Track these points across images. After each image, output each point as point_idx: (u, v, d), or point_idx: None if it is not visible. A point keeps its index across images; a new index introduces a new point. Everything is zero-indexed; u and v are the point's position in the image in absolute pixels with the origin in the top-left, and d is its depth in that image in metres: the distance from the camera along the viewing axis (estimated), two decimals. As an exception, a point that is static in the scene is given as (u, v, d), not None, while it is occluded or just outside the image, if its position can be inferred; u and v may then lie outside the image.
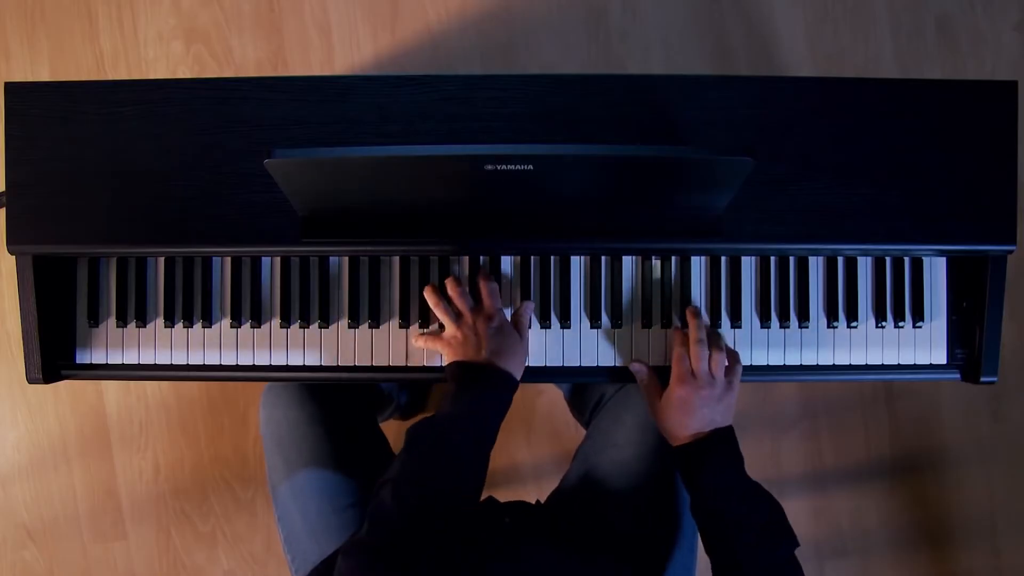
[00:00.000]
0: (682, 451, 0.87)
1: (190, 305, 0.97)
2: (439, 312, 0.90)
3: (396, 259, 0.97)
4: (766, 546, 0.81)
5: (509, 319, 0.92)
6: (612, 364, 0.97)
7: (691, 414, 0.87)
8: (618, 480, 0.97)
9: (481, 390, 0.83)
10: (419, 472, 0.77)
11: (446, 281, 0.92)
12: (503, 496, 1.03)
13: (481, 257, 0.97)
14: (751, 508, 0.83)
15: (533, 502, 1.05)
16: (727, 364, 0.91)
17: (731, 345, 0.98)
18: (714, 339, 0.92)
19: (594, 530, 0.94)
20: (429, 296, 0.92)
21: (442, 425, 0.81)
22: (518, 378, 0.88)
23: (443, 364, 0.91)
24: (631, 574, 0.88)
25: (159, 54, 1.54)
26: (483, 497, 1.02)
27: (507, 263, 0.98)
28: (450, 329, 0.89)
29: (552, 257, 0.97)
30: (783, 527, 0.84)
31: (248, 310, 0.97)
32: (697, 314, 0.94)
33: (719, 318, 0.98)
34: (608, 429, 1.01)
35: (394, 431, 1.33)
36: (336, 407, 1.00)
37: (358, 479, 0.97)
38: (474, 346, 0.87)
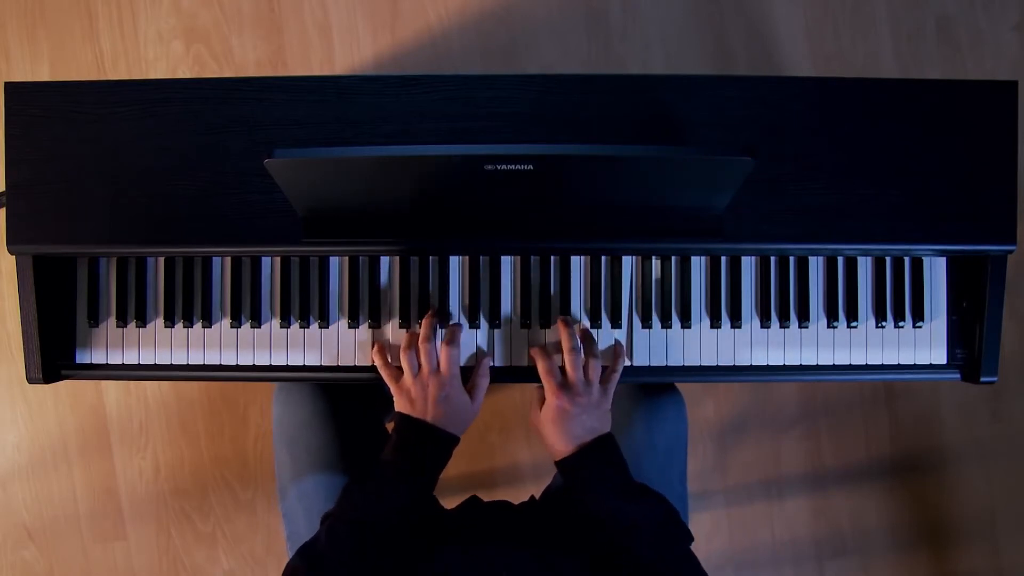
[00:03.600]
0: (566, 462, 0.87)
1: (190, 305, 0.97)
2: (403, 358, 0.90)
3: (396, 259, 0.97)
4: (662, 543, 0.82)
5: (466, 365, 0.94)
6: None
7: (570, 423, 0.87)
8: None
9: (422, 449, 0.87)
10: (355, 514, 0.83)
11: (423, 323, 0.92)
12: (503, 495, 1.03)
13: (481, 257, 0.97)
14: (644, 508, 0.84)
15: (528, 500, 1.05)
16: (603, 369, 0.92)
17: (731, 345, 0.98)
18: (588, 345, 0.92)
19: (573, 528, 0.94)
20: (403, 339, 0.93)
21: (383, 474, 0.85)
22: (459, 435, 0.90)
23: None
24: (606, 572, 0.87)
25: (159, 54, 1.54)
26: (467, 496, 1.03)
27: (507, 263, 0.98)
28: (407, 379, 0.90)
29: (552, 257, 0.97)
30: (677, 524, 0.85)
31: (248, 310, 0.97)
32: (569, 323, 0.94)
33: (719, 318, 0.98)
34: None
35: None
36: (345, 407, 1.00)
37: None
38: (421, 407, 0.88)
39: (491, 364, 0.96)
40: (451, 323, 0.96)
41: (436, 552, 0.81)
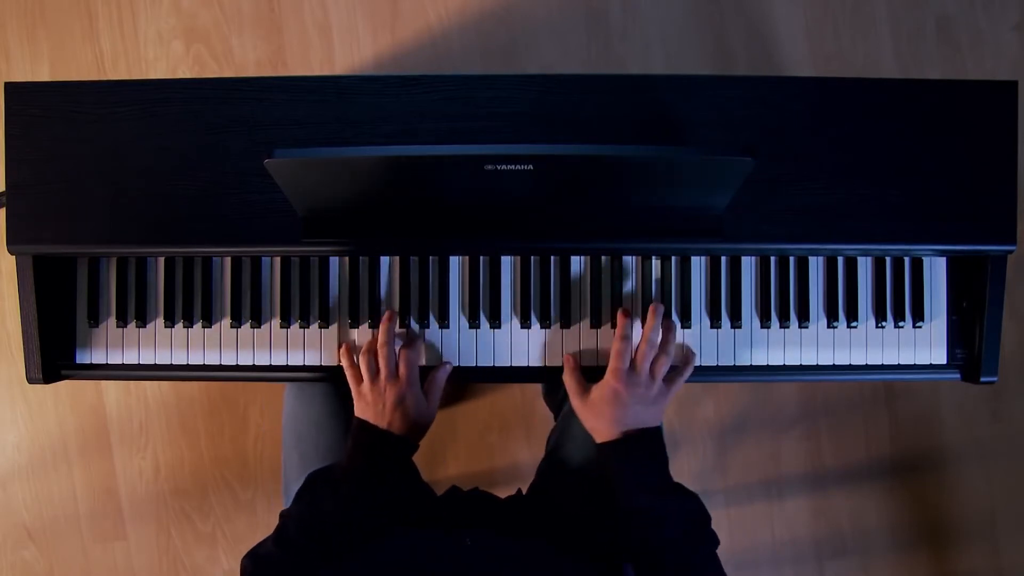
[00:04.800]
0: (609, 447, 0.86)
1: (190, 305, 0.97)
2: (362, 362, 0.90)
3: (396, 259, 0.97)
4: (690, 544, 0.82)
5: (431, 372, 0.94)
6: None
7: (622, 409, 0.86)
8: (574, 470, 0.98)
9: (375, 456, 0.87)
10: (307, 518, 0.83)
11: (381, 327, 0.91)
12: (503, 495, 1.03)
13: (481, 257, 0.97)
14: (677, 507, 0.84)
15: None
16: (671, 368, 0.91)
17: (731, 345, 0.98)
18: (665, 342, 0.92)
19: (551, 519, 0.95)
20: (364, 344, 0.92)
21: (336, 479, 0.85)
22: (416, 443, 0.91)
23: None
24: (582, 562, 0.87)
25: (159, 54, 1.54)
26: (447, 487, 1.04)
27: (507, 263, 0.98)
28: (365, 384, 0.89)
29: (552, 257, 0.97)
30: (706, 528, 0.84)
31: (248, 310, 0.97)
32: (659, 314, 0.92)
33: (719, 318, 0.98)
34: (569, 420, 1.02)
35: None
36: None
37: None
38: (378, 412, 0.88)
39: (450, 370, 0.96)
40: (413, 330, 0.96)
41: (394, 534, 0.81)
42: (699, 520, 0.84)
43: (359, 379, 0.91)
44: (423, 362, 0.96)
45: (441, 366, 0.95)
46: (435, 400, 0.93)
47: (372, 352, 0.90)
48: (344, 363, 0.93)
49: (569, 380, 0.93)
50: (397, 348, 0.91)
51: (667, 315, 0.96)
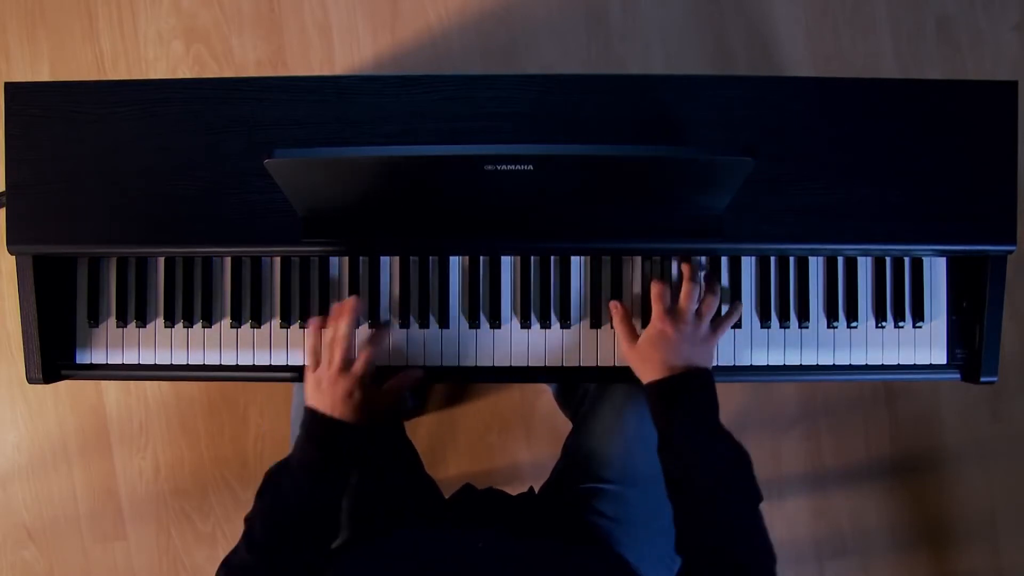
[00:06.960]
0: (656, 385, 0.84)
1: (190, 305, 0.97)
2: (332, 350, 0.87)
3: (396, 259, 0.97)
4: (731, 495, 0.78)
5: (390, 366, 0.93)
6: (612, 364, 0.97)
7: (669, 350, 0.85)
8: (595, 469, 0.97)
9: (327, 445, 0.85)
10: (269, 513, 0.83)
11: (343, 320, 0.87)
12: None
13: (481, 257, 0.97)
14: (721, 454, 0.81)
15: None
16: (718, 311, 0.91)
17: (731, 345, 0.98)
18: (710, 283, 0.91)
19: (570, 518, 0.94)
20: (329, 330, 0.88)
21: (290, 471, 0.84)
22: (366, 428, 0.87)
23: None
24: (599, 561, 0.86)
25: (159, 54, 1.54)
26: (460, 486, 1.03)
27: (507, 263, 0.98)
28: (321, 370, 0.87)
29: (552, 257, 0.97)
30: (749, 479, 0.81)
31: (248, 310, 0.97)
32: (692, 263, 0.92)
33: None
34: (589, 421, 1.02)
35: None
36: None
37: None
38: (328, 401, 0.86)
39: (419, 376, 0.94)
40: (382, 321, 0.96)
41: (400, 531, 0.80)
42: (742, 472, 0.81)
43: (318, 362, 0.88)
44: (390, 360, 0.95)
45: (412, 369, 0.94)
46: (389, 401, 0.91)
47: (336, 341, 0.87)
48: (308, 343, 0.90)
49: (620, 327, 0.92)
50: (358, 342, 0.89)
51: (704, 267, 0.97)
